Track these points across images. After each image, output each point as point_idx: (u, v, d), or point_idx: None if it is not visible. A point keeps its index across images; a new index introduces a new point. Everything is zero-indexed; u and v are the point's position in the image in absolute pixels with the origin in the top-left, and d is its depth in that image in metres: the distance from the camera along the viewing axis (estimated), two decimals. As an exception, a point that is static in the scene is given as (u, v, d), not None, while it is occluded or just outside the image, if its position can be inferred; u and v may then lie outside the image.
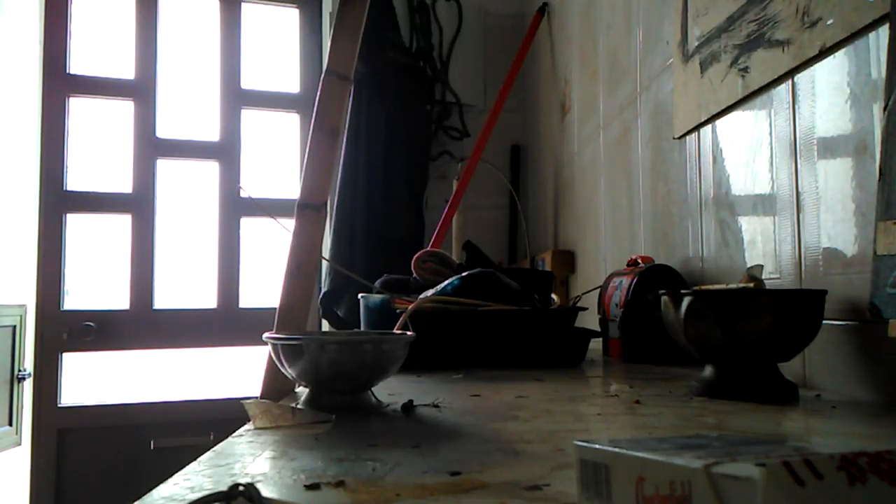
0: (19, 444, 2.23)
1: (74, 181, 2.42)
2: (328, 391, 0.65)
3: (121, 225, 2.43)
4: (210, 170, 2.47)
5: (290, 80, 2.57)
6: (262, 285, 2.50)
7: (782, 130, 0.86)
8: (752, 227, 0.95)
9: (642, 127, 1.39)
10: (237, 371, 2.47)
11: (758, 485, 0.20)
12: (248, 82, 2.50)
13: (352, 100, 2.21)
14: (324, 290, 2.14)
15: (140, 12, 2.43)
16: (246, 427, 0.57)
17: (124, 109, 2.43)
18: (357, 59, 0.85)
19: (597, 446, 0.29)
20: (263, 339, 0.66)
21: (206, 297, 2.47)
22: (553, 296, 1.26)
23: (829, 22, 0.75)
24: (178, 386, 2.45)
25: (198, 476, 0.40)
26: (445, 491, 0.37)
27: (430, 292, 1.11)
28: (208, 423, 2.31)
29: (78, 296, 2.42)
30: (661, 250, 1.27)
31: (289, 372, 0.64)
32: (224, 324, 2.44)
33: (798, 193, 0.82)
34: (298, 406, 0.64)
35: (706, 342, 0.70)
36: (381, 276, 1.27)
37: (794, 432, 0.56)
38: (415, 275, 1.26)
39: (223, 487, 0.35)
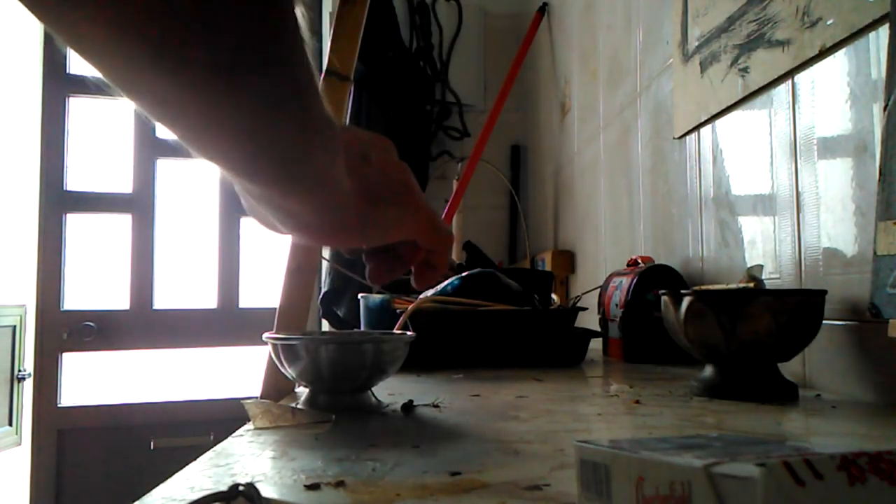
0: (19, 444, 2.23)
1: (74, 181, 2.42)
2: (328, 391, 0.65)
3: (121, 225, 2.43)
4: (210, 170, 2.47)
5: None
6: (262, 285, 2.50)
7: (782, 130, 0.86)
8: (752, 227, 0.95)
9: (642, 127, 1.39)
10: (237, 371, 2.47)
11: (758, 484, 0.20)
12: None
13: (352, 100, 2.21)
14: (324, 290, 2.14)
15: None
16: (246, 427, 0.57)
17: (124, 109, 2.43)
18: (357, 59, 0.85)
19: (597, 446, 0.29)
20: (263, 339, 0.66)
21: (206, 297, 2.47)
22: (553, 296, 1.26)
23: (829, 22, 0.75)
24: (178, 386, 2.45)
25: (198, 476, 0.40)
26: (445, 491, 0.37)
27: (430, 292, 1.11)
28: (208, 423, 2.31)
29: (78, 296, 2.42)
30: (661, 250, 1.27)
31: (289, 372, 0.64)
32: (224, 324, 2.44)
33: (798, 193, 0.82)
34: (298, 406, 0.64)
35: (706, 342, 0.70)
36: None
37: (794, 432, 0.56)
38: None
39: (223, 487, 0.35)
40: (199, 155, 0.31)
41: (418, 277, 0.46)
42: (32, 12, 0.24)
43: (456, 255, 1.99)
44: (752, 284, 0.77)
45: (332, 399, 0.64)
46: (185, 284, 2.48)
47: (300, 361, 0.62)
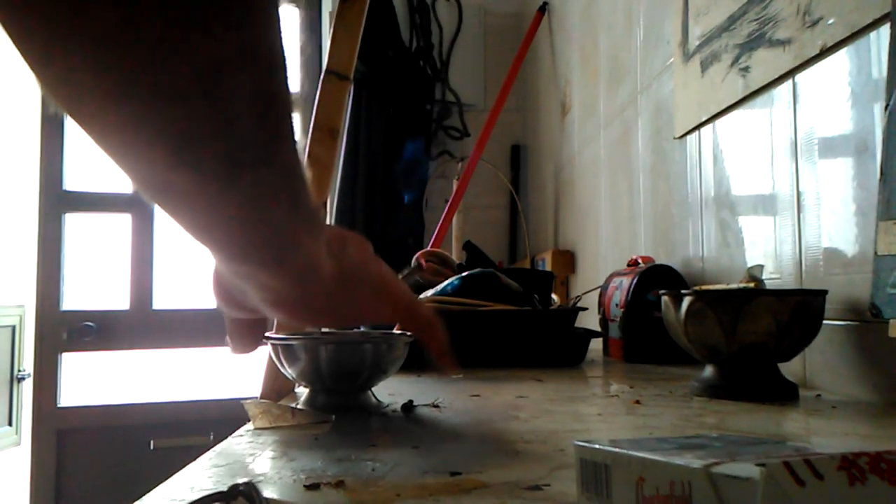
0: (18, 445, 2.23)
1: (74, 181, 2.42)
2: (328, 391, 0.65)
3: (120, 225, 2.42)
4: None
5: (289, 79, 2.57)
6: (263, 285, 2.49)
7: (783, 130, 0.86)
8: (752, 227, 0.95)
9: (643, 127, 1.39)
10: (237, 371, 2.47)
11: (758, 485, 0.20)
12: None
13: (352, 99, 2.21)
14: (324, 289, 2.14)
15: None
16: (246, 427, 0.57)
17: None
18: (357, 58, 0.85)
19: (597, 446, 0.29)
20: (263, 339, 0.66)
21: (205, 297, 2.47)
22: (553, 296, 1.26)
23: (829, 21, 0.75)
24: (177, 386, 2.45)
25: (198, 476, 0.40)
26: (445, 491, 0.36)
27: (430, 292, 1.11)
28: (208, 423, 2.31)
29: (77, 296, 2.42)
30: (662, 250, 1.27)
31: (288, 372, 0.64)
32: (224, 324, 2.44)
33: (799, 193, 0.82)
34: (298, 406, 0.63)
35: (706, 342, 0.70)
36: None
37: (795, 432, 0.56)
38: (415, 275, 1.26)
39: (223, 487, 0.35)
40: (194, 236, 0.34)
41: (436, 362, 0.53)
42: (70, 115, 0.26)
43: (456, 255, 1.99)
44: (752, 284, 0.76)
45: (332, 399, 0.64)
46: (185, 284, 2.48)
47: (300, 362, 0.62)
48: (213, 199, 0.30)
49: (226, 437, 0.52)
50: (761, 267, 0.79)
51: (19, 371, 2.22)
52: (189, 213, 0.32)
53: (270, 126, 0.29)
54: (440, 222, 2.03)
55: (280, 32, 0.27)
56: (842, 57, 0.74)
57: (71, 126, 2.45)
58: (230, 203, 0.30)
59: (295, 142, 0.32)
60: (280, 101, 0.29)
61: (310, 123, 0.83)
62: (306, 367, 0.62)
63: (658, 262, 1.16)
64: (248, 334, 0.52)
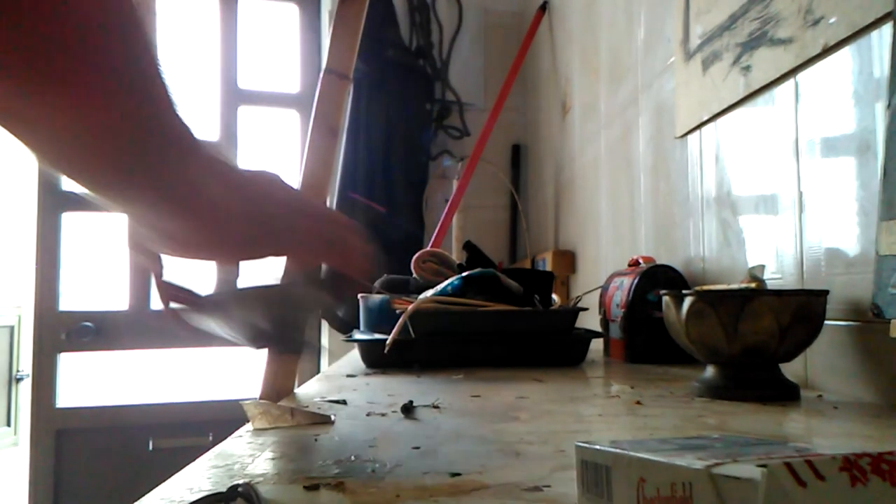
0: (17, 445, 2.23)
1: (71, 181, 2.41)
2: (266, 338, 0.61)
3: (118, 225, 2.42)
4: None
5: (289, 78, 2.56)
6: (262, 285, 2.49)
7: (785, 129, 0.86)
8: (754, 227, 0.95)
9: (644, 126, 1.39)
10: (236, 372, 2.46)
11: (759, 486, 0.20)
12: (246, 80, 2.49)
13: (351, 99, 2.21)
14: (324, 289, 2.14)
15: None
16: (245, 428, 0.57)
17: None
18: (357, 57, 0.85)
19: (598, 447, 0.28)
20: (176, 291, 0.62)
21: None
22: (554, 296, 1.26)
23: (831, 20, 0.74)
24: (177, 387, 2.45)
25: (197, 477, 0.40)
26: (445, 492, 0.36)
27: (430, 292, 1.11)
28: (207, 423, 2.31)
29: (76, 296, 2.41)
30: (663, 250, 1.27)
31: (220, 332, 0.60)
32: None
33: (800, 193, 0.82)
34: (297, 407, 0.63)
35: (708, 343, 0.70)
36: (380, 276, 1.26)
37: (796, 433, 0.55)
38: (415, 275, 1.25)
39: (222, 489, 0.35)
40: (40, 158, 0.32)
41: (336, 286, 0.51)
42: None
43: (456, 255, 1.99)
44: (753, 284, 0.76)
45: (272, 345, 0.63)
46: (184, 285, 2.48)
47: (227, 318, 0.59)
48: (30, 105, 0.28)
49: (225, 438, 0.52)
50: (763, 267, 0.79)
51: (17, 372, 2.22)
52: (14, 121, 0.30)
53: (62, 20, 0.26)
54: (440, 222, 2.03)
55: None
56: (844, 56, 0.74)
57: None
58: (49, 112, 0.28)
59: (141, 60, 0.29)
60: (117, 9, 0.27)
61: (309, 122, 0.83)
62: (233, 320, 0.59)
63: (659, 262, 1.16)
64: (163, 284, 0.50)
